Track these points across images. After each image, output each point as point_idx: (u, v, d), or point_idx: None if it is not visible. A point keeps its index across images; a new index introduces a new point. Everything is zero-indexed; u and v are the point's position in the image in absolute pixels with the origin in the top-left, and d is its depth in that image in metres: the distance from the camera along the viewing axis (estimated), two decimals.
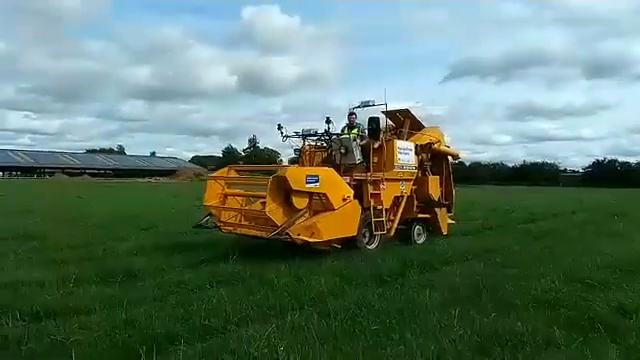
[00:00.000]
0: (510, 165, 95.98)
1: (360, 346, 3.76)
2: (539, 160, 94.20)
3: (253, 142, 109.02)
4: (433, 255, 7.90)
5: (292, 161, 10.91)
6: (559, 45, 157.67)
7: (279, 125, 8.91)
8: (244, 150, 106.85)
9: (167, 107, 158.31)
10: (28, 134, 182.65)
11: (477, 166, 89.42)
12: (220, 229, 8.13)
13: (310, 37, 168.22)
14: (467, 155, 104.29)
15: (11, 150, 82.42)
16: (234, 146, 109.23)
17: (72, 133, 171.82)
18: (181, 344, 3.76)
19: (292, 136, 9.11)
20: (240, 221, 8.32)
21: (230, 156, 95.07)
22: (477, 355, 3.70)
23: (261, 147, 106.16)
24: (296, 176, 7.28)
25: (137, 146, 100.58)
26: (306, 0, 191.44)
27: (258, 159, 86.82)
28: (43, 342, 3.80)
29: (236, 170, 9.07)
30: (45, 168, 77.35)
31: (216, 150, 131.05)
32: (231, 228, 8.18)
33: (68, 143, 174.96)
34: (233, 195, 8.53)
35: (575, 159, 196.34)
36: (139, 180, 63.40)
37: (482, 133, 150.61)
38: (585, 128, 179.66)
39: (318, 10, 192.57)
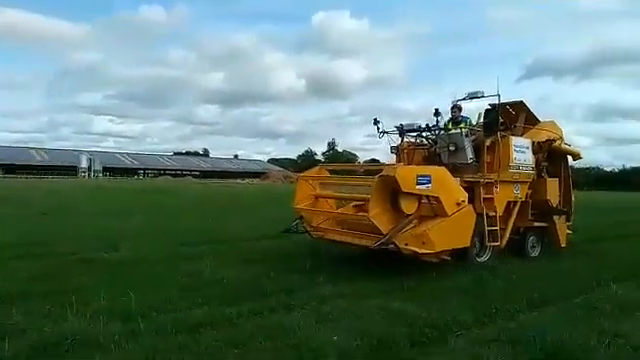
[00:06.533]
0: (608, 169, 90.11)
1: None
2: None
3: (332, 145, 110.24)
4: None
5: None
6: None
7: (375, 120, 8.12)
8: (323, 153, 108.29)
9: (238, 111, 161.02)
10: (112, 137, 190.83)
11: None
12: (310, 234, 7.71)
13: (379, 40, 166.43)
14: None
15: (118, 152, 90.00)
16: (313, 149, 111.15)
17: (151, 136, 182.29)
18: None
19: (390, 132, 8.33)
20: (332, 226, 7.78)
21: (308, 158, 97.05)
22: None
23: (340, 150, 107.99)
24: (406, 176, 6.41)
25: (211, 149, 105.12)
26: (376, 3, 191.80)
27: (337, 162, 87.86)
28: None
29: (328, 170, 8.39)
30: (147, 169, 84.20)
31: (284, 153, 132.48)
32: (322, 233, 7.63)
33: (148, 146, 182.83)
34: (326, 197, 7.83)
35: None
36: (239, 181, 66.21)
37: None
38: None
39: (387, 12, 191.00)
